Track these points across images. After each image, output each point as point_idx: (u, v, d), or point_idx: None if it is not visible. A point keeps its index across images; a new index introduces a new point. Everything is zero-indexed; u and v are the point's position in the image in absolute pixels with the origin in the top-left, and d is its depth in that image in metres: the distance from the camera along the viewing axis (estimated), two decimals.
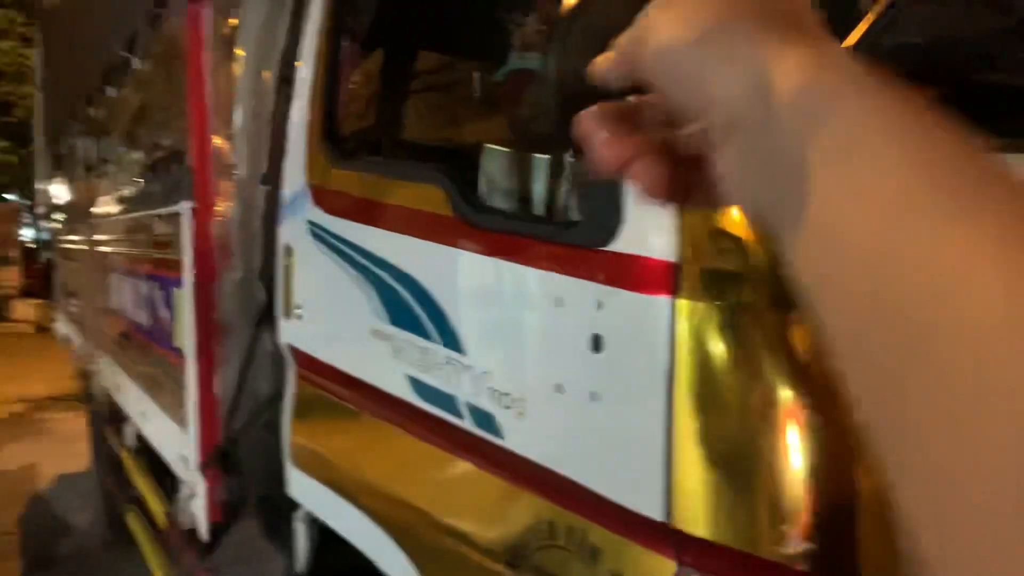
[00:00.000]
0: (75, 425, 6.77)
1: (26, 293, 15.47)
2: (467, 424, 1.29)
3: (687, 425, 0.94)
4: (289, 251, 1.92)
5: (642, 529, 0.99)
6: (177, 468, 2.61)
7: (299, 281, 1.89)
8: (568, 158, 1.28)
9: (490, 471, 1.27)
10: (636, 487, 1.00)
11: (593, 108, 0.42)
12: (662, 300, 0.96)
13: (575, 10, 0.51)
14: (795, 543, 0.87)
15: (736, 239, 0.93)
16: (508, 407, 1.20)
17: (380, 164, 1.74)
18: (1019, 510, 0.24)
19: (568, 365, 1.09)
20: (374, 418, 1.61)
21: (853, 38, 0.64)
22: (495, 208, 1.40)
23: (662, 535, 0.97)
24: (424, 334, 1.40)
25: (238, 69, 2.20)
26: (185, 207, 2.29)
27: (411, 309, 1.43)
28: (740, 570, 0.91)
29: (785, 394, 0.89)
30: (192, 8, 2.22)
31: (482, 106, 2.06)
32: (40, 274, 15.88)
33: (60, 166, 5.93)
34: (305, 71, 1.89)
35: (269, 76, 2.18)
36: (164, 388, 2.85)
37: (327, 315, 1.81)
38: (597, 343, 1.04)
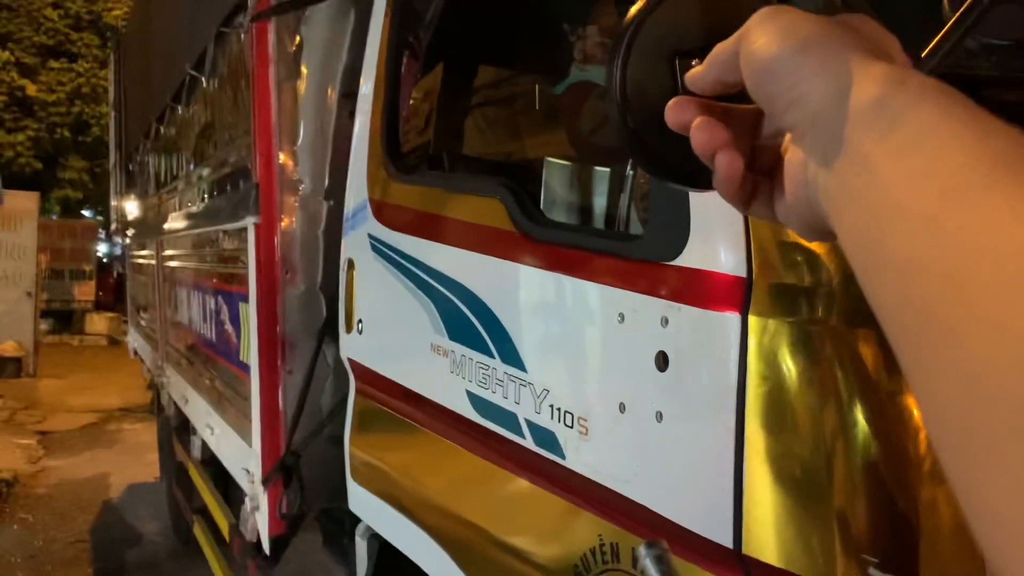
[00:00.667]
0: (145, 436, 6.96)
1: (100, 306, 16.00)
2: (528, 443, 1.27)
3: (757, 447, 0.90)
4: (350, 265, 1.93)
5: (709, 554, 0.95)
6: (241, 481, 2.64)
7: (360, 295, 1.90)
8: (630, 170, 1.26)
9: (551, 490, 1.25)
10: (703, 511, 0.96)
11: (689, 97, 0.48)
12: (731, 317, 0.93)
13: (638, 21, 0.49)
14: (871, 573, 0.83)
15: (807, 252, 0.90)
16: (570, 426, 1.17)
17: (440, 178, 1.73)
18: None
19: (632, 383, 1.06)
20: (433, 433, 1.60)
21: (938, 38, 0.61)
22: (556, 222, 1.38)
23: (731, 561, 0.93)
24: (484, 349, 1.38)
25: (302, 86, 2.23)
26: (250, 222, 2.33)
27: (470, 324, 1.41)
28: None
29: (860, 415, 0.85)
30: (258, 27, 2.26)
31: (542, 119, 2.05)
32: (113, 288, 16.45)
33: (132, 183, 6.10)
34: (367, 87, 1.91)
35: (333, 92, 2.21)
36: (229, 401, 2.89)
37: (387, 329, 1.81)
38: (662, 361, 1.01)
